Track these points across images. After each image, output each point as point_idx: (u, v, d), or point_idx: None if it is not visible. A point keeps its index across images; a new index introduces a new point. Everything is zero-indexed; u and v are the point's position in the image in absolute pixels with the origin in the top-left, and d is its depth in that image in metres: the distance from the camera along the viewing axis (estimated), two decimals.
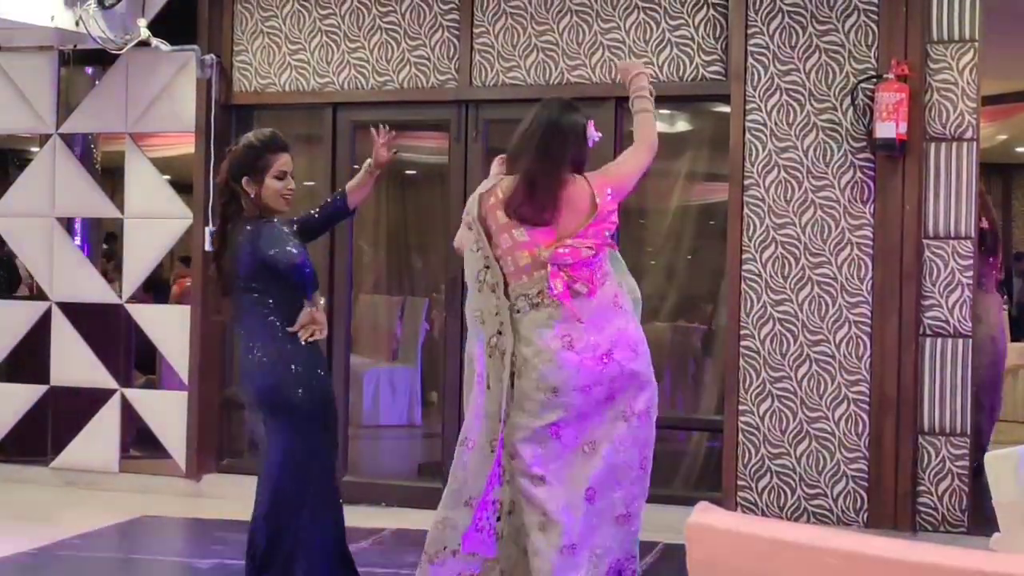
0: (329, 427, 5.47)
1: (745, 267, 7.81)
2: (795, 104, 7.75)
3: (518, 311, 4.89)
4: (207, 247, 8.79)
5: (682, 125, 9.59)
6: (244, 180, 5.33)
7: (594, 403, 4.87)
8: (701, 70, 8.03)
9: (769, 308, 7.75)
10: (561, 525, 4.83)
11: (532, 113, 5.11)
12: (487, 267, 4.96)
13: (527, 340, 4.85)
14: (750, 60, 7.83)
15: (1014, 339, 11.27)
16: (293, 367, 5.26)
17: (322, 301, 5.58)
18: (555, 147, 4.96)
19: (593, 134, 5.10)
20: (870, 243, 7.59)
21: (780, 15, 7.79)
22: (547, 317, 4.83)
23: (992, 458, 3.97)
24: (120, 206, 9.30)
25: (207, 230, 8.79)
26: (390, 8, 8.67)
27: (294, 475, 5.34)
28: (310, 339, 5.31)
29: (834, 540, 2.17)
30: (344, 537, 5.65)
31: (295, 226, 5.57)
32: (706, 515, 2.29)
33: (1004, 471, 3.87)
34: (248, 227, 5.29)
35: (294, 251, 5.19)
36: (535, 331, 4.83)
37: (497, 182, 5.00)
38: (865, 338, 7.59)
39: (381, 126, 5.85)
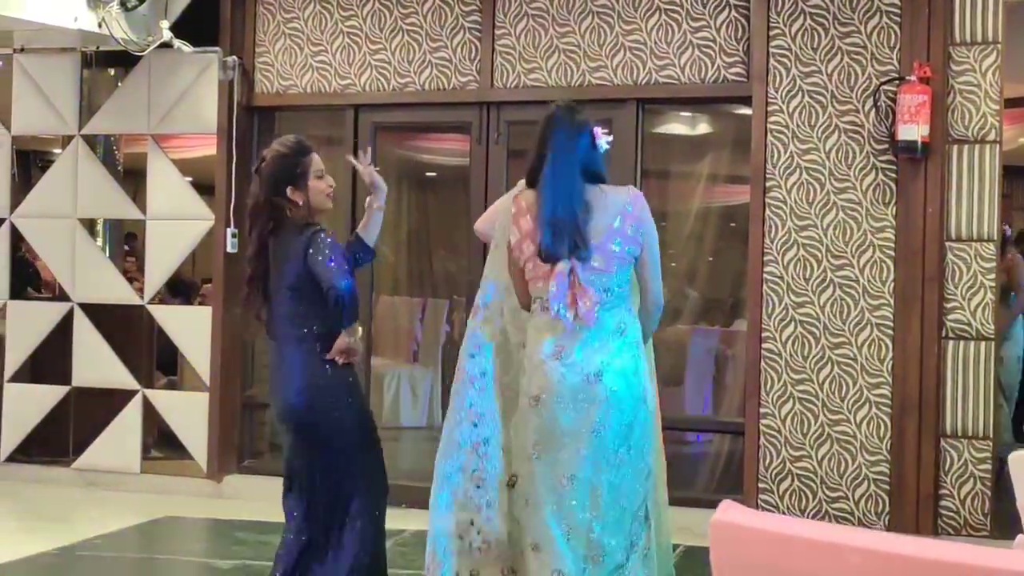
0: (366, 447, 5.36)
1: (767, 269, 7.79)
2: (817, 106, 7.73)
3: (532, 313, 4.82)
4: (229, 248, 8.82)
5: (703, 127, 9.59)
6: (289, 190, 5.21)
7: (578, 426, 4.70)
8: (723, 72, 8.01)
9: (791, 310, 7.74)
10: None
11: (544, 121, 4.97)
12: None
13: (529, 344, 4.77)
14: (772, 62, 7.81)
15: None
16: (324, 387, 5.22)
17: (360, 332, 5.45)
18: (570, 179, 4.82)
19: (599, 139, 4.99)
20: (892, 245, 7.57)
21: (802, 16, 7.77)
22: (548, 325, 4.74)
23: (1016, 459, 3.94)
24: (142, 207, 9.32)
25: (228, 232, 8.81)
26: (411, 10, 8.68)
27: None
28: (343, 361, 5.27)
29: (857, 538, 2.17)
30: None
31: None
32: (730, 513, 2.29)
33: None
34: (301, 235, 5.15)
35: (345, 268, 5.11)
36: (536, 337, 4.75)
37: (519, 192, 4.91)
38: (887, 340, 7.57)
39: (360, 152, 5.74)
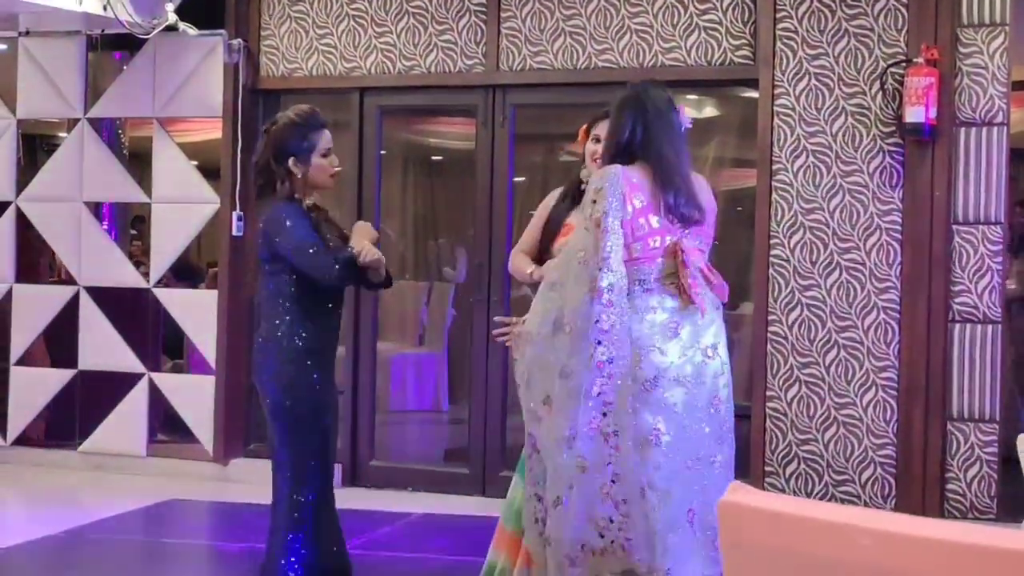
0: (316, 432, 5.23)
1: (773, 252, 7.78)
2: (824, 89, 7.71)
3: (630, 293, 4.74)
4: (235, 232, 8.82)
5: (710, 111, 9.57)
6: (291, 161, 5.11)
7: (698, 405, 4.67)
8: (729, 55, 7.99)
9: (797, 294, 7.73)
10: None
11: (633, 97, 4.91)
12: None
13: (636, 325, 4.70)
14: (779, 44, 7.79)
15: None
16: (289, 365, 5.12)
17: (369, 253, 5.20)
18: (679, 140, 4.83)
19: (684, 120, 4.97)
20: (899, 228, 7.56)
21: None
22: (658, 305, 4.71)
23: None
24: (148, 191, 9.32)
25: (234, 215, 8.81)
26: None
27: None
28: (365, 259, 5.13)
29: (867, 519, 2.16)
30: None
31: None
32: (738, 495, 2.28)
33: None
34: (269, 208, 5.14)
35: (303, 235, 5.02)
36: (646, 318, 4.69)
37: (623, 169, 4.79)
38: (894, 324, 7.56)
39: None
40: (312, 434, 5.18)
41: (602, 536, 4.64)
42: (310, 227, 5.10)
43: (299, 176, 5.13)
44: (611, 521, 4.60)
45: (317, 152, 5.16)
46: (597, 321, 4.60)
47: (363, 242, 5.11)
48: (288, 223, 5.03)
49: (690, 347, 4.65)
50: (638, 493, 4.57)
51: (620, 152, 4.78)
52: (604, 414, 4.60)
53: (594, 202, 4.66)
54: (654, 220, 4.65)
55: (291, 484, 5.15)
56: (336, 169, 5.27)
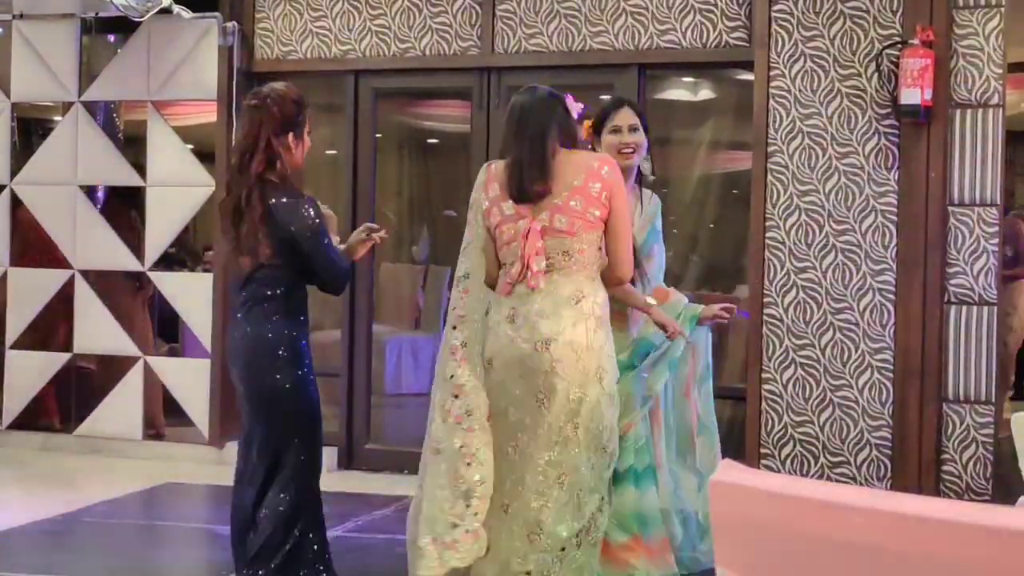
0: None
1: (768, 234, 7.77)
2: (819, 70, 7.69)
3: (499, 277, 4.81)
4: None
5: (705, 93, 9.56)
6: (291, 136, 5.01)
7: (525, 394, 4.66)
8: (724, 36, 7.98)
9: (793, 276, 7.72)
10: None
11: (511, 102, 4.96)
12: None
13: (491, 308, 4.79)
14: (774, 26, 7.77)
15: None
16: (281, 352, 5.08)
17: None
18: (531, 122, 4.80)
19: (573, 105, 4.98)
20: (894, 210, 7.55)
21: None
22: (505, 289, 4.74)
23: (1019, 419, 3.94)
24: (142, 174, 9.30)
25: None
26: None
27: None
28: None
29: (858, 497, 2.16)
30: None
31: None
32: (730, 473, 2.28)
33: None
34: (286, 198, 4.97)
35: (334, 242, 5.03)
36: (495, 300, 4.76)
37: (489, 162, 4.94)
38: (889, 306, 7.55)
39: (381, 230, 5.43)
40: (316, 432, 5.28)
41: (454, 525, 4.74)
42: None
43: (292, 153, 5.04)
44: (467, 507, 4.71)
45: (307, 130, 5.13)
46: (454, 308, 4.76)
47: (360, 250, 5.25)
48: (311, 212, 4.96)
49: (520, 337, 4.63)
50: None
51: (501, 152, 4.93)
52: (455, 396, 4.70)
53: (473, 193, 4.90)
54: (507, 207, 4.71)
55: (304, 489, 5.19)
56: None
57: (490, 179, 4.81)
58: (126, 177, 9.47)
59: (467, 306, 4.81)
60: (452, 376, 4.75)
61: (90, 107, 9.44)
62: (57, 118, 10.14)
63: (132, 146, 10.01)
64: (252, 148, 4.99)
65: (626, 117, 5.42)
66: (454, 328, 4.82)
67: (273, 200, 4.94)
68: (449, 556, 4.70)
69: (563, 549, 4.67)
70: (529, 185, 4.66)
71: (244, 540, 5.17)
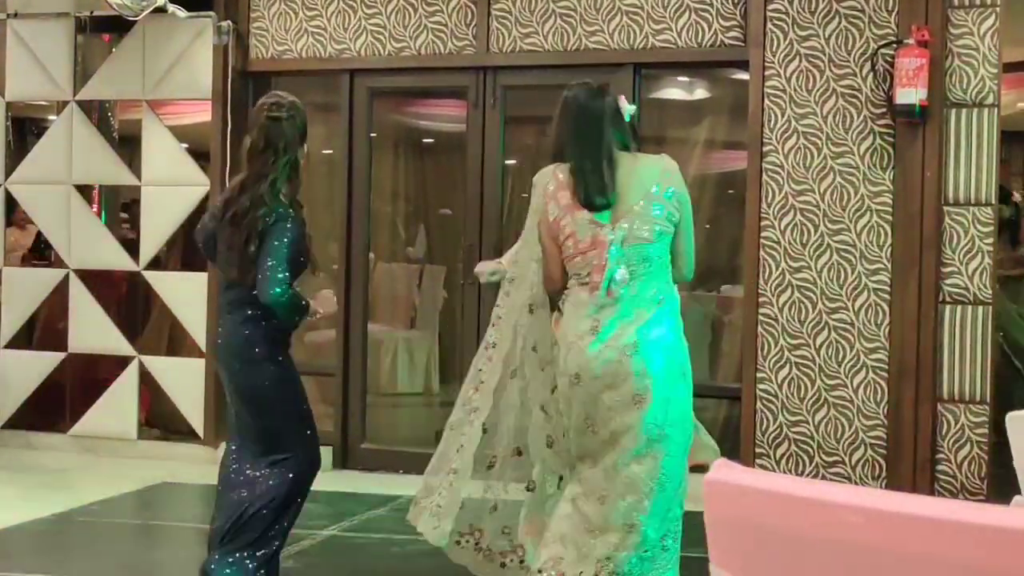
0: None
1: (764, 234, 7.77)
2: (814, 70, 7.69)
3: (568, 288, 4.78)
4: None
5: (700, 93, 9.55)
6: (302, 150, 5.11)
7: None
8: (720, 36, 7.98)
9: (788, 275, 7.72)
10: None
11: (561, 100, 4.94)
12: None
13: (565, 321, 4.75)
14: (769, 25, 7.77)
15: None
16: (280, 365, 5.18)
17: (317, 312, 5.30)
18: (591, 131, 4.80)
19: (625, 106, 4.97)
20: (889, 210, 7.55)
21: None
22: (587, 299, 4.71)
23: (1013, 419, 3.93)
24: (137, 173, 9.30)
25: None
26: None
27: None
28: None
29: (855, 496, 2.16)
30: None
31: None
32: (724, 472, 2.28)
33: None
34: (296, 215, 5.04)
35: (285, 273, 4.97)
36: (573, 313, 4.72)
37: (555, 167, 4.86)
38: (884, 305, 7.55)
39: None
40: (305, 421, 5.28)
41: (428, 493, 4.89)
42: (298, 252, 5.05)
43: (303, 165, 5.12)
44: (438, 484, 4.84)
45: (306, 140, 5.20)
46: (497, 306, 4.79)
47: (322, 309, 5.24)
48: (295, 242, 4.98)
49: (607, 346, 4.64)
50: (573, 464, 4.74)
51: (555, 154, 4.86)
52: (476, 389, 4.77)
53: (532, 199, 4.83)
54: (580, 216, 4.68)
55: (296, 485, 5.18)
56: None
57: (560, 187, 4.74)
58: (121, 176, 9.46)
59: (505, 309, 4.82)
60: (481, 370, 4.83)
61: (85, 106, 9.44)
62: (52, 117, 10.14)
63: (127, 145, 10.01)
64: (275, 162, 5.02)
65: None
66: (492, 326, 4.89)
67: (270, 219, 4.99)
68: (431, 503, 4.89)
69: (647, 551, 4.68)
70: (595, 195, 4.66)
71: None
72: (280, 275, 4.91)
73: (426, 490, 5.06)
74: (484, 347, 5.01)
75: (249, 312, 5.11)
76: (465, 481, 4.94)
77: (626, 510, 4.63)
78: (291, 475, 5.17)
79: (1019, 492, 3.93)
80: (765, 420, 7.76)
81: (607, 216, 4.66)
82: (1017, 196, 9.76)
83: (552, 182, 4.76)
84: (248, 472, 5.22)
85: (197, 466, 8.78)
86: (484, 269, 5.25)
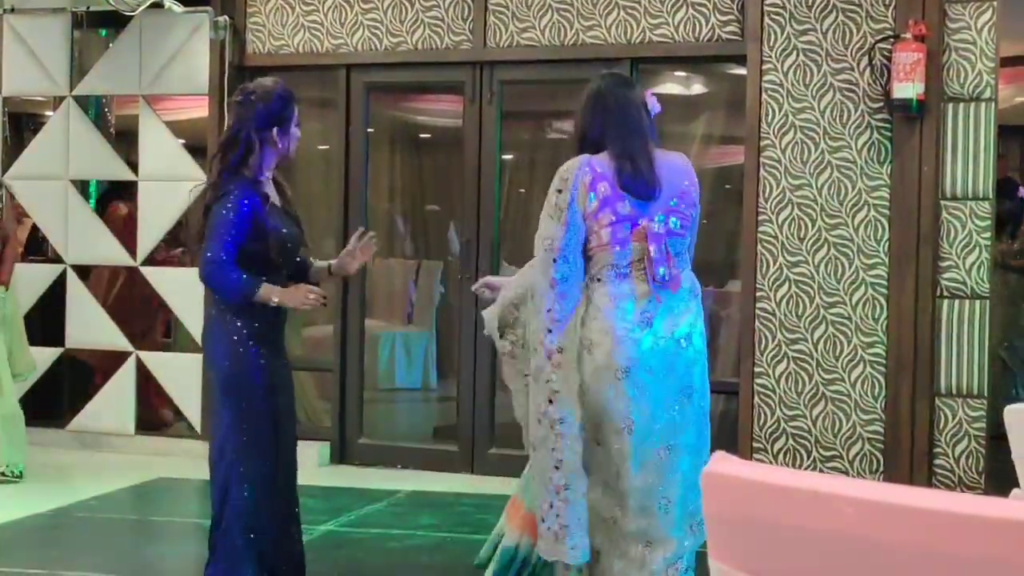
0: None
1: (761, 229, 7.77)
2: (812, 64, 7.69)
3: (598, 280, 4.74)
4: None
5: (698, 87, 9.55)
6: (275, 131, 5.05)
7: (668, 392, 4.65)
8: (717, 30, 7.98)
9: (785, 270, 7.72)
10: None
11: (591, 91, 4.93)
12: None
13: (605, 313, 4.70)
14: (766, 20, 7.76)
15: None
16: (235, 343, 5.09)
17: (274, 298, 5.21)
18: (635, 118, 4.80)
19: (654, 105, 4.98)
20: (887, 204, 7.55)
21: None
22: (629, 291, 4.69)
23: (1012, 411, 3.93)
24: (134, 169, 9.29)
25: None
26: None
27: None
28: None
29: (852, 488, 2.15)
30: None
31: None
32: (723, 464, 2.27)
33: None
34: (237, 189, 4.99)
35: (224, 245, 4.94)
36: (615, 305, 4.68)
37: (588, 157, 4.82)
38: (882, 300, 7.55)
39: (360, 229, 5.44)
40: (260, 418, 5.13)
41: (543, 520, 4.70)
42: (250, 227, 4.99)
43: (279, 147, 5.09)
44: (550, 507, 4.65)
45: (294, 122, 5.15)
46: (549, 310, 4.65)
47: (278, 299, 5.04)
48: (232, 219, 4.94)
49: (662, 337, 4.63)
50: (588, 481, 4.65)
51: (587, 146, 4.80)
52: (550, 401, 4.63)
53: (559, 191, 4.69)
54: (622, 206, 4.65)
55: (233, 473, 5.15)
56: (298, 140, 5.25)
57: (597, 177, 4.70)
58: (118, 172, 9.46)
59: (563, 310, 4.73)
60: (548, 381, 4.69)
61: (81, 102, 9.43)
62: (48, 113, 10.13)
63: (123, 141, 10.00)
64: (232, 143, 5.06)
65: None
66: (549, 332, 4.73)
67: (227, 191, 5.00)
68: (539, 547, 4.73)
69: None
70: (647, 184, 4.65)
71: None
72: (208, 253, 4.90)
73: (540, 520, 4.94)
74: (546, 355, 4.83)
75: (212, 303, 5.18)
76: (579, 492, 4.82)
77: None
78: (227, 493, 5.14)
79: (1017, 486, 3.92)
80: (763, 415, 7.76)
81: (647, 208, 4.65)
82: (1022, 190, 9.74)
83: (584, 171, 4.71)
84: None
85: (194, 461, 8.77)
86: (487, 318, 5.21)
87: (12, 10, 9.40)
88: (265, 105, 5.07)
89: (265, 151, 5.05)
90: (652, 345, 4.59)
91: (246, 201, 4.97)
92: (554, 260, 4.62)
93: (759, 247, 7.77)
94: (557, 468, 4.65)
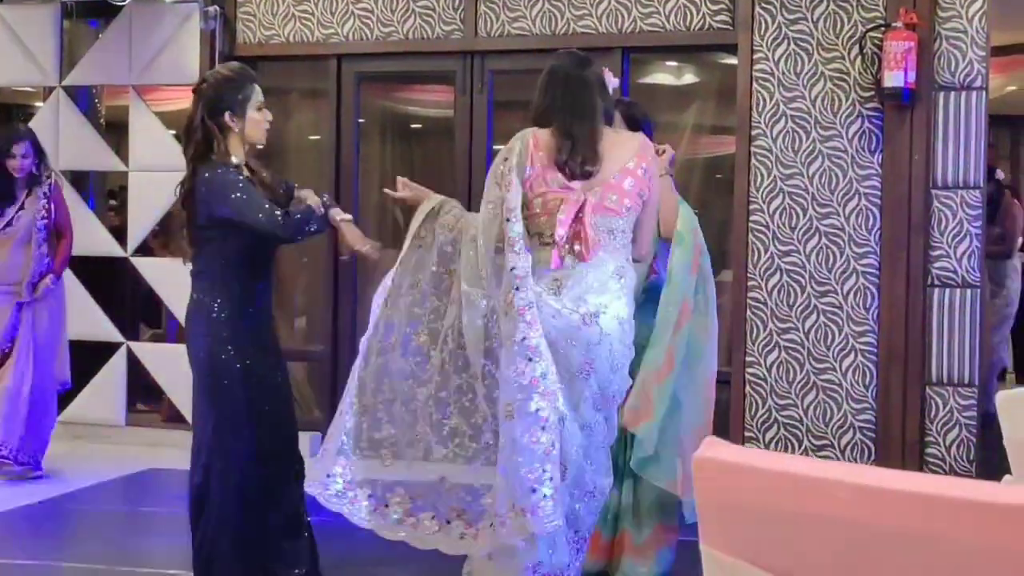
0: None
1: (752, 218, 7.76)
2: (803, 53, 7.68)
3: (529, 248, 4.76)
4: None
5: (688, 77, 9.54)
6: (227, 116, 5.06)
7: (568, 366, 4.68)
8: (708, 19, 7.97)
9: (776, 259, 7.72)
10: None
11: (547, 68, 4.98)
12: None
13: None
14: (757, 9, 7.76)
15: None
16: (213, 337, 5.12)
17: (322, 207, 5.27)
18: (583, 99, 4.84)
19: (611, 81, 5.03)
20: (878, 193, 7.55)
21: None
22: (546, 259, 4.71)
23: (1005, 397, 3.94)
24: (124, 159, 9.27)
25: None
26: None
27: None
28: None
29: (844, 473, 2.15)
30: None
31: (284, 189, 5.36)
32: (714, 450, 2.27)
33: (1017, 410, 3.85)
34: (210, 172, 5.02)
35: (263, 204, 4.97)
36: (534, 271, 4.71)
37: (533, 129, 4.87)
38: (873, 289, 7.56)
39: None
40: (236, 412, 5.13)
41: (535, 489, 4.73)
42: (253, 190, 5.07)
43: (235, 131, 5.09)
44: (551, 479, 4.67)
45: (252, 105, 5.14)
46: (513, 268, 4.64)
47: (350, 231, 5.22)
48: (237, 186, 4.98)
49: (566, 308, 4.64)
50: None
51: (537, 119, 4.87)
52: (529, 359, 4.62)
53: (505, 159, 4.76)
54: (553, 178, 4.70)
55: (213, 471, 5.16)
56: (269, 123, 5.24)
57: (535, 147, 4.76)
58: (108, 163, 9.43)
59: (525, 267, 4.72)
60: (524, 339, 4.66)
61: (71, 92, 9.40)
62: (38, 103, 10.10)
63: (114, 131, 9.97)
64: (189, 132, 5.10)
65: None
66: (516, 289, 4.72)
67: (199, 177, 5.03)
68: (528, 523, 4.66)
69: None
70: (583, 164, 4.69)
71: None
72: (262, 215, 4.93)
73: None
74: (518, 313, 4.85)
75: (193, 288, 5.20)
76: None
77: None
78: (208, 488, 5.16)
79: (1008, 473, 3.93)
80: (754, 404, 7.76)
81: (579, 183, 4.70)
82: (1001, 174, 9.78)
83: (526, 140, 4.78)
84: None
85: (185, 452, 8.74)
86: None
87: (1, 0, 9.36)
88: (215, 91, 5.10)
89: (228, 137, 5.08)
90: (555, 313, 4.62)
91: (232, 170, 5.03)
92: (507, 220, 4.67)
93: (750, 236, 7.77)
94: (544, 429, 4.64)
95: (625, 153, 4.80)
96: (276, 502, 5.23)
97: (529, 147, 4.76)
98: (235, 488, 5.10)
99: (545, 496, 4.57)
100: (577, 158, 4.70)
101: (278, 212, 4.96)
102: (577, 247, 4.66)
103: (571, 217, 4.65)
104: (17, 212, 7.91)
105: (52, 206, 7.99)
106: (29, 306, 7.95)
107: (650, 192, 4.84)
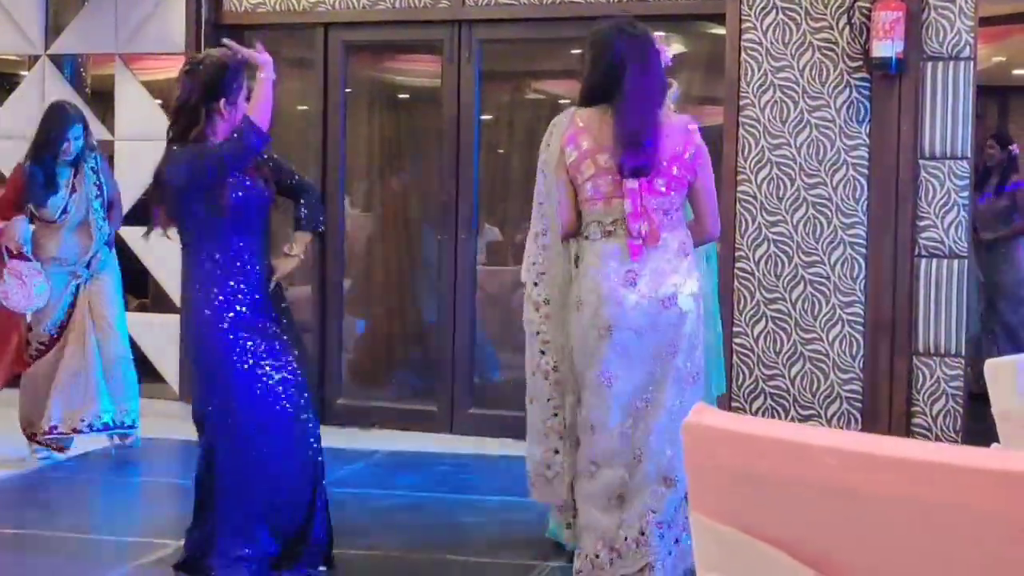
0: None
1: (740, 188, 7.76)
2: (791, 23, 7.67)
3: (586, 237, 4.71)
4: None
5: (677, 47, 9.50)
6: (222, 103, 5.13)
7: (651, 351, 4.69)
8: None
9: (764, 230, 7.72)
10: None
11: (599, 40, 4.83)
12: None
13: (587, 273, 4.69)
14: None
15: None
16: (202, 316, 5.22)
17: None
18: (646, 89, 4.73)
19: (666, 60, 4.94)
20: (866, 164, 7.54)
21: None
22: (614, 249, 4.66)
23: (992, 365, 3.94)
24: (111, 128, 9.23)
25: None
26: None
27: None
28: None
29: (833, 439, 2.15)
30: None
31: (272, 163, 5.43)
32: (703, 416, 2.27)
33: (1004, 379, 3.85)
34: (200, 153, 5.11)
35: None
36: (600, 263, 4.66)
37: (574, 111, 4.79)
38: (860, 259, 7.56)
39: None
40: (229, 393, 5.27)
41: (548, 467, 4.75)
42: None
43: (225, 118, 5.13)
44: (556, 453, 4.70)
45: (243, 96, 5.18)
46: (535, 263, 4.66)
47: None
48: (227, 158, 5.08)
49: (645, 296, 4.63)
50: (583, 429, 4.66)
51: (591, 92, 4.75)
52: (542, 352, 4.66)
53: (547, 146, 4.70)
54: (604, 160, 4.63)
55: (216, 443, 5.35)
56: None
57: (580, 131, 4.67)
58: (94, 131, 9.37)
59: (547, 262, 4.73)
60: (538, 332, 4.72)
61: (57, 61, 9.35)
62: (23, 72, 10.04)
63: (100, 100, 9.92)
64: (179, 113, 5.19)
65: None
66: (535, 284, 4.76)
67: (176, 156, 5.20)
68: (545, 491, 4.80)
69: (686, 496, 4.78)
70: (639, 160, 4.60)
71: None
72: (295, 178, 5.46)
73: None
74: (534, 307, 4.89)
75: (184, 259, 5.40)
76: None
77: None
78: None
79: (997, 441, 3.94)
80: (741, 374, 7.77)
81: (631, 167, 4.62)
82: (1016, 148, 9.70)
83: (567, 124, 4.70)
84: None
85: (172, 422, 8.75)
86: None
87: None
88: (212, 77, 5.14)
89: (215, 122, 5.14)
90: (636, 304, 4.60)
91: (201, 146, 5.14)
92: (534, 213, 4.65)
93: (738, 207, 7.77)
94: (555, 415, 4.69)
95: (676, 140, 4.74)
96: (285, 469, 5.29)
97: (567, 131, 4.69)
98: (242, 455, 5.15)
99: (557, 474, 4.73)
100: (634, 152, 4.59)
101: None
102: (644, 232, 4.62)
103: (637, 207, 4.60)
104: (71, 196, 7.82)
105: (102, 180, 7.94)
106: (86, 284, 7.88)
107: (697, 175, 4.79)
